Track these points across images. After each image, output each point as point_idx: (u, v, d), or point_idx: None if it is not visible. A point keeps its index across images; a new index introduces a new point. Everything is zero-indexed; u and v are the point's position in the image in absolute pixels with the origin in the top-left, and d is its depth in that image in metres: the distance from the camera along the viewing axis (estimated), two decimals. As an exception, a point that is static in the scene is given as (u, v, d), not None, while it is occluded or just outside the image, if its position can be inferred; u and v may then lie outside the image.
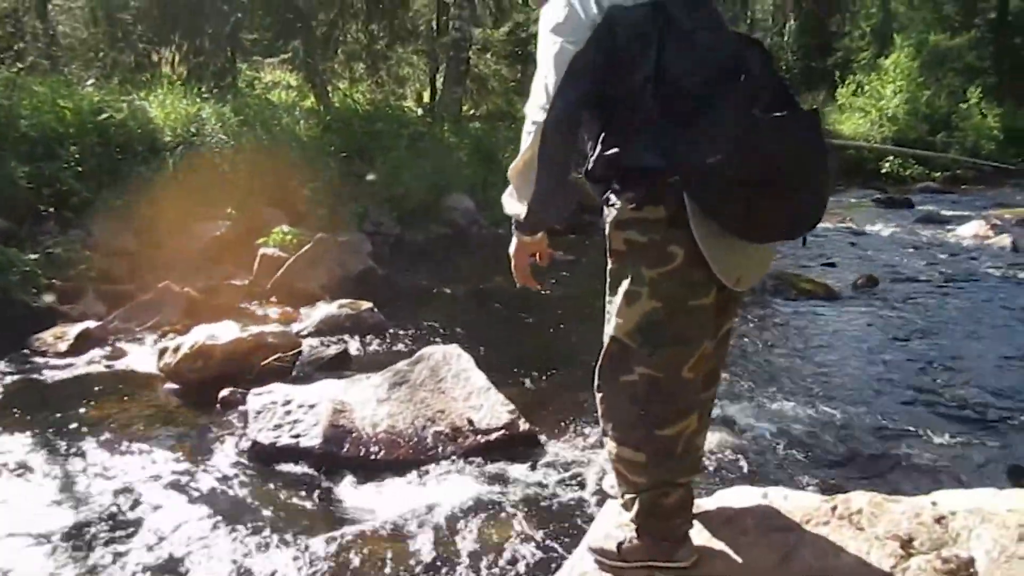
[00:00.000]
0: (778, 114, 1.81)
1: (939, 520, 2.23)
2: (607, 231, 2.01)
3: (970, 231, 10.74)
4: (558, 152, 1.91)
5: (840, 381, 5.05)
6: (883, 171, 19.01)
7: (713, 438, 4.06)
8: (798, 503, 2.40)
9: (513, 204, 2.06)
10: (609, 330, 2.06)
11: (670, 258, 1.91)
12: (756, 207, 1.83)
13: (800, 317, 6.60)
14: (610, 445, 2.13)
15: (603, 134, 1.94)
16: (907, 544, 2.15)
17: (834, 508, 2.32)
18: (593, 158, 1.97)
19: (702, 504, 2.47)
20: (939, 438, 4.16)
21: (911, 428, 4.29)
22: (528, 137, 1.91)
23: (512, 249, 2.15)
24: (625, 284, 1.99)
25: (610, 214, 1.98)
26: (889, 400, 4.73)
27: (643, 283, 1.95)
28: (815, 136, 1.87)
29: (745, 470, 3.74)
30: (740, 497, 2.48)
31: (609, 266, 2.05)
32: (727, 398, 4.66)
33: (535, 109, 1.91)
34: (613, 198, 1.96)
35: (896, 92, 20.72)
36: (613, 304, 2.04)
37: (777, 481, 3.40)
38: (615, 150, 1.91)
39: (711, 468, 3.79)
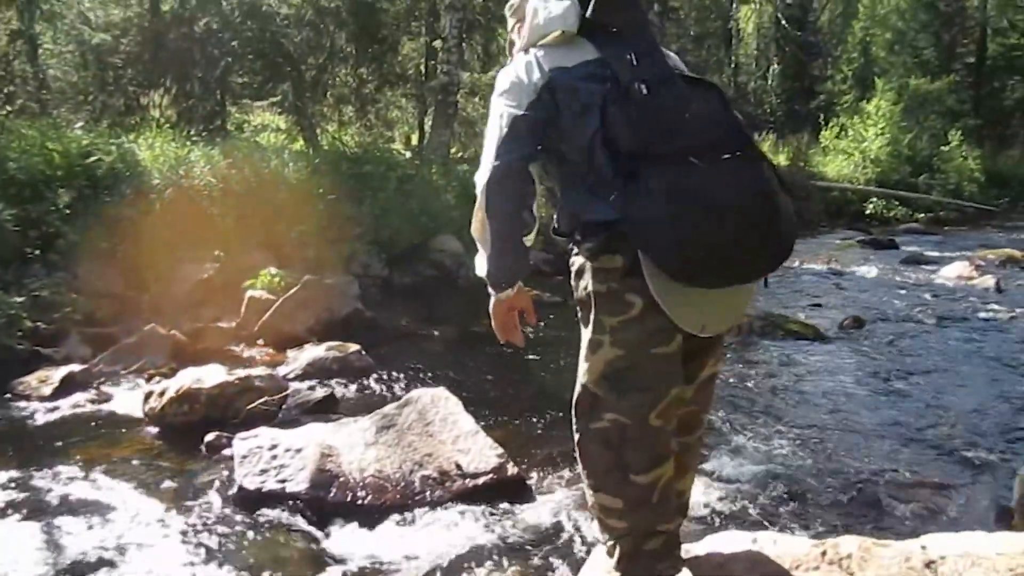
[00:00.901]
0: (723, 158, 1.85)
1: (929, 564, 2.23)
2: (572, 281, 2.10)
3: (954, 272, 10.83)
4: (504, 208, 1.98)
5: (828, 423, 5.05)
6: (867, 212, 19.21)
7: (701, 482, 4.05)
8: (788, 548, 2.39)
9: (480, 264, 2.12)
10: (579, 378, 2.12)
11: (628, 306, 1.96)
12: (702, 254, 1.85)
13: (787, 358, 6.61)
14: (588, 492, 2.17)
15: (563, 190, 2.05)
16: (897, 589, 2.15)
17: (824, 553, 2.31)
18: (556, 213, 2.09)
19: (692, 549, 2.46)
20: (927, 481, 4.16)
21: (899, 471, 4.29)
22: (479, 197, 2.01)
23: (491, 307, 2.15)
24: (588, 332, 2.07)
25: (573, 264, 2.08)
26: (876, 442, 4.73)
27: (604, 331, 2.02)
28: (760, 178, 1.91)
29: (734, 515, 3.72)
30: (730, 542, 2.48)
31: (578, 315, 2.11)
32: (715, 441, 4.65)
33: (481, 171, 2.02)
34: (575, 249, 2.06)
35: (878, 135, 21.02)
36: (581, 352, 2.10)
37: (766, 526, 3.39)
38: (574, 205, 2.01)
39: (700, 513, 3.77)
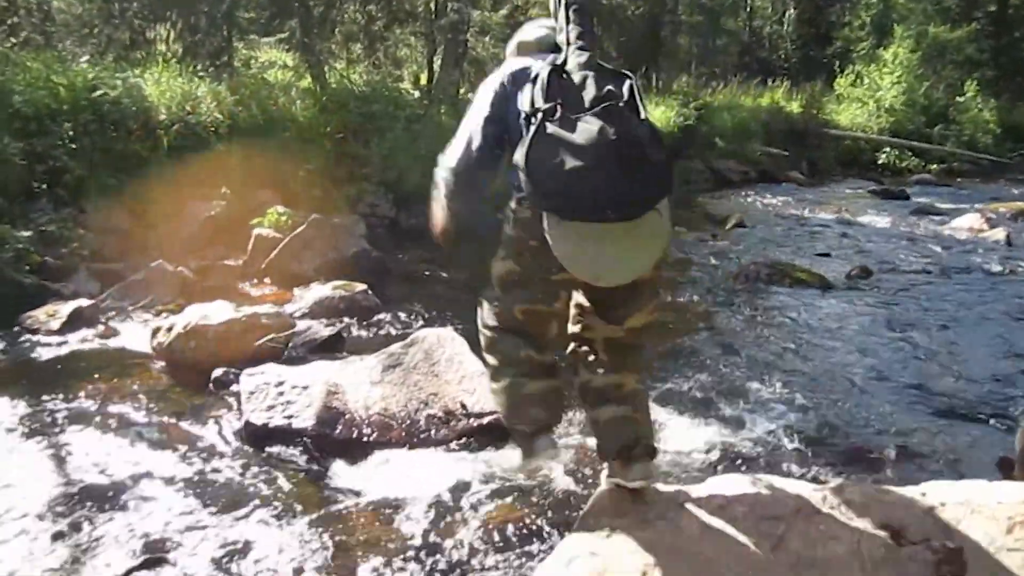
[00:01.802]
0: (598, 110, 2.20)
1: (929, 511, 2.24)
2: None
3: (965, 224, 10.76)
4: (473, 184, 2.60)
5: (832, 372, 5.06)
6: (879, 162, 19.00)
7: (705, 427, 4.08)
8: (789, 492, 2.41)
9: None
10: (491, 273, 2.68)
11: (530, 243, 2.42)
12: (563, 184, 2.17)
13: (794, 307, 6.60)
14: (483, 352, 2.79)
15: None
16: (897, 534, 2.17)
17: (825, 498, 2.33)
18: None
19: (692, 491, 2.48)
20: (930, 430, 4.18)
21: (903, 420, 4.31)
22: (448, 183, 2.64)
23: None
24: (503, 252, 2.62)
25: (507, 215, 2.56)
26: (881, 392, 4.74)
27: (512, 254, 2.57)
28: (624, 128, 2.18)
29: (737, 459, 3.75)
30: (731, 485, 2.49)
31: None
32: (719, 386, 4.67)
33: (447, 166, 2.63)
34: (511, 203, 2.54)
35: (894, 83, 20.69)
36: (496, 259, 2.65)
37: (769, 471, 3.42)
38: (511, 176, 2.45)
39: (702, 455, 3.81)
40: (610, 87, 2.28)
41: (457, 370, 4.14)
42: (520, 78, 2.48)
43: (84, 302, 5.44)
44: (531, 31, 2.74)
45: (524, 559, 2.91)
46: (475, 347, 4.28)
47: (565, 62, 2.38)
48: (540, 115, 2.22)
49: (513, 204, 2.52)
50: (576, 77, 2.32)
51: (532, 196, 2.26)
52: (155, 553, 2.95)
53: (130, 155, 7.47)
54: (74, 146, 7.12)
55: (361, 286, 6.03)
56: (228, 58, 12.29)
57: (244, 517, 3.18)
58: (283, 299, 6.11)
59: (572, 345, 2.67)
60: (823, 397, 4.59)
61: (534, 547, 2.99)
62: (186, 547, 2.98)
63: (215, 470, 3.54)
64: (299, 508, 3.26)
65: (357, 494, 3.41)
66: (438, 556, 2.98)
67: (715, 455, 3.80)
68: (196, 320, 4.72)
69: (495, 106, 2.52)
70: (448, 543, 3.07)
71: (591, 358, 2.60)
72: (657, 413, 4.21)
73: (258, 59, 13.69)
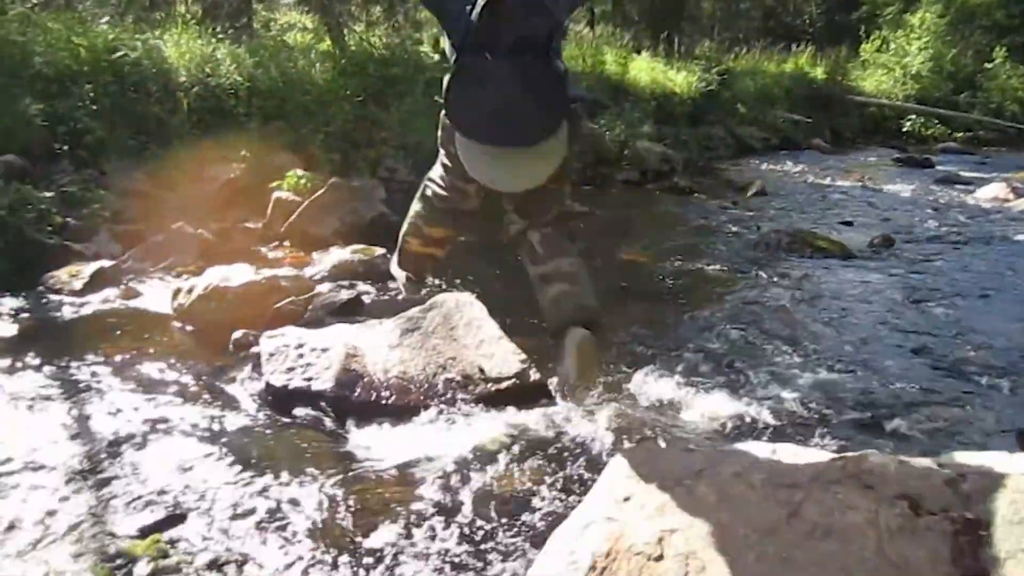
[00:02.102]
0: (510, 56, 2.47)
1: (950, 482, 2.22)
2: None
3: (990, 193, 10.60)
4: None
5: (853, 341, 5.02)
6: (904, 129, 18.73)
7: (723, 395, 4.07)
8: (807, 460, 2.39)
9: None
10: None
11: (451, 154, 2.87)
12: (469, 114, 2.59)
13: (814, 276, 6.55)
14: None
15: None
16: (917, 504, 2.15)
17: (844, 466, 2.31)
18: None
19: (710, 458, 2.48)
20: (952, 401, 4.15)
21: (924, 390, 4.28)
22: None
23: None
24: (439, 159, 3.07)
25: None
26: (902, 361, 4.71)
27: (441, 161, 3.04)
28: (524, 73, 2.48)
29: (755, 427, 3.75)
30: (749, 453, 2.49)
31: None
32: (737, 355, 4.66)
33: None
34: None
35: (921, 49, 20.33)
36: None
37: (787, 439, 3.41)
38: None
39: (719, 423, 3.80)
40: (533, 23, 2.51)
41: (475, 334, 4.14)
42: None
43: (106, 263, 5.49)
44: None
45: (541, 523, 2.93)
46: (494, 312, 4.31)
47: None
48: (464, 51, 2.54)
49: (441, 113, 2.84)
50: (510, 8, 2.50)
51: (447, 115, 2.69)
52: (174, 510, 3.00)
53: (150, 117, 7.48)
54: (95, 108, 7.13)
55: (380, 250, 6.03)
56: (248, 20, 12.25)
57: (263, 477, 3.21)
58: (302, 262, 6.13)
59: (517, 249, 3.16)
60: (843, 367, 4.57)
61: (551, 511, 3.00)
62: (205, 506, 3.01)
63: (235, 431, 3.58)
64: (318, 469, 3.29)
65: (375, 456, 3.44)
66: (455, 519, 3.01)
67: (733, 423, 3.80)
68: (216, 282, 4.74)
69: None
70: (465, 506, 3.09)
71: (531, 253, 3.07)
72: (674, 380, 4.22)
73: (277, 21, 13.63)
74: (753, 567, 2.06)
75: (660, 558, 2.15)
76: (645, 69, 14.29)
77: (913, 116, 18.86)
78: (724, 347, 4.80)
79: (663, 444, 3.04)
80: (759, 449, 2.51)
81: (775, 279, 6.45)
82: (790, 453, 2.46)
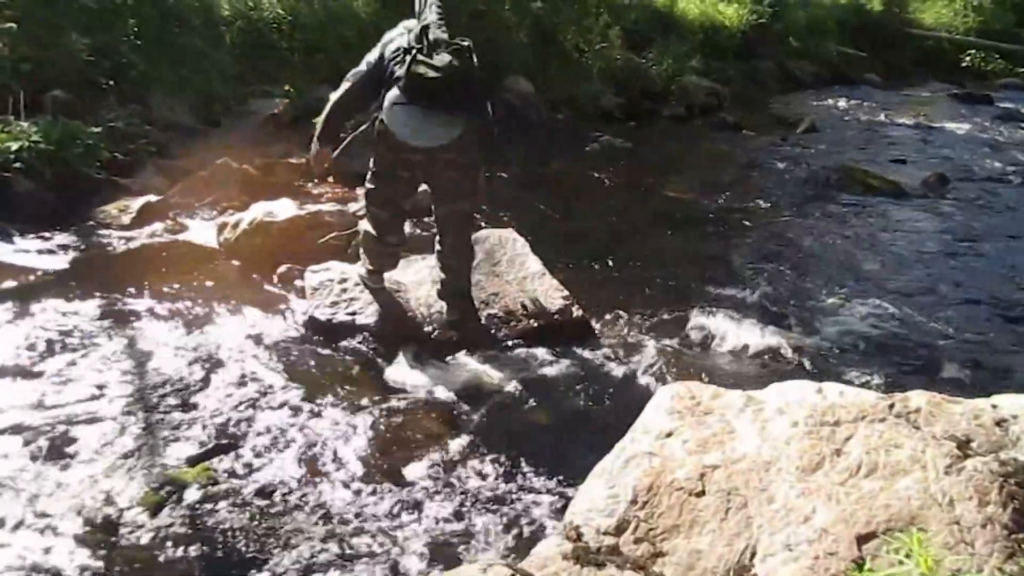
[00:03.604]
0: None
1: (999, 423, 2.18)
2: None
3: (1052, 130, 10.23)
4: (336, 111, 3.75)
5: (904, 281, 4.93)
6: (963, 64, 18.02)
7: (769, 332, 4.03)
8: (854, 399, 2.36)
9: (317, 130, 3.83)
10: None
11: (378, 131, 3.62)
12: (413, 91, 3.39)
13: (866, 214, 6.41)
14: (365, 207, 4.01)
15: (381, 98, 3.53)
16: (964, 445, 2.12)
17: (891, 406, 2.28)
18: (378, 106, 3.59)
19: (754, 395, 2.46)
20: (1003, 342, 4.07)
21: (975, 331, 4.20)
22: (330, 103, 3.75)
23: (312, 151, 3.88)
24: (368, 178, 3.86)
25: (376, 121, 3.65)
26: (953, 302, 4.62)
27: (376, 157, 3.76)
28: (452, 64, 3.36)
29: (802, 366, 3.72)
30: (794, 390, 2.45)
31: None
32: (784, 293, 4.59)
33: (338, 90, 3.74)
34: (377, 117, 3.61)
35: (984, -21, 19.44)
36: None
37: (832, 378, 3.37)
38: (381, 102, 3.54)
39: (766, 360, 3.77)
40: (455, 43, 3.45)
41: (518, 271, 4.14)
42: (391, 41, 3.61)
43: (153, 198, 5.54)
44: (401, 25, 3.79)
45: (581, 457, 2.93)
46: (536, 247, 4.29)
47: (428, 27, 3.48)
48: (415, 50, 3.37)
49: (378, 124, 3.61)
50: (436, 34, 3.48)
51: (402, 90, 3.40)
52: (222, 440, 3.07)
53: (193, 51, 7.46)
54: (139, 42, 7.13)
55: (422, 186, 5.99)
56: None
57: (308, 409, 3.27)
58: (345, 197, 6.12)
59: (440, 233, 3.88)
60: (892, 306, 4.48)
61: (591, 446, 3.00)
62: (252, 436, 3.09)
63: (280, 363, 3.64)
64: (362, 402, 3.34)
65: (418, 390, 3.48)
66: (496, 452, 3.04)
67: (777, 360, 3.77)
68: (261, 217, 4.77)
69: (374, 65, 3.61)
70: (505, 440, 3.12)
71: (443, 231, 3.83)
72: (718, 317, 4.18)
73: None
74: (796, 504, 2.05)
75: (702, 493, 2.15)
76: (694, 1, 13.90)
77: (973, 50, 18.13)
78: (769, 285, 4.74)
79: (706, 380, 3.01)
80: (803, 387, 2.48)
81: (824, 217, 6.33)
82: (835, 392, 2.43)
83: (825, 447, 2.19)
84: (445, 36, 3.52)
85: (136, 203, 5.39)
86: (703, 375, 3.54)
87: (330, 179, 6.49)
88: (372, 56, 3.67)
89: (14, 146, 5.29)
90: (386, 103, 3.48)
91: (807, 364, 3.76)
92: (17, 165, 5.25)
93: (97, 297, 4.14)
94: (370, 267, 4.00)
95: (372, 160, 3.80)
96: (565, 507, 2.44)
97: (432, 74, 3.32)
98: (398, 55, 3.47)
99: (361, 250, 4.07)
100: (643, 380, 3.58)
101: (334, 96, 3.74)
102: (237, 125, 7.11)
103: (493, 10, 10.41)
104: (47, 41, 6.47)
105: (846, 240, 5.73)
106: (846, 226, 6.10)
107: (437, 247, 3.91)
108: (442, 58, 3.36)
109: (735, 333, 4.05)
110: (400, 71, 3.38)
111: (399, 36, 3.62)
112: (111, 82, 6.74)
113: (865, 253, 5.46)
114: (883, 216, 6.41)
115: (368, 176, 3.85)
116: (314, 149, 3.83)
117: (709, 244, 5.65)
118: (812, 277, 4.90)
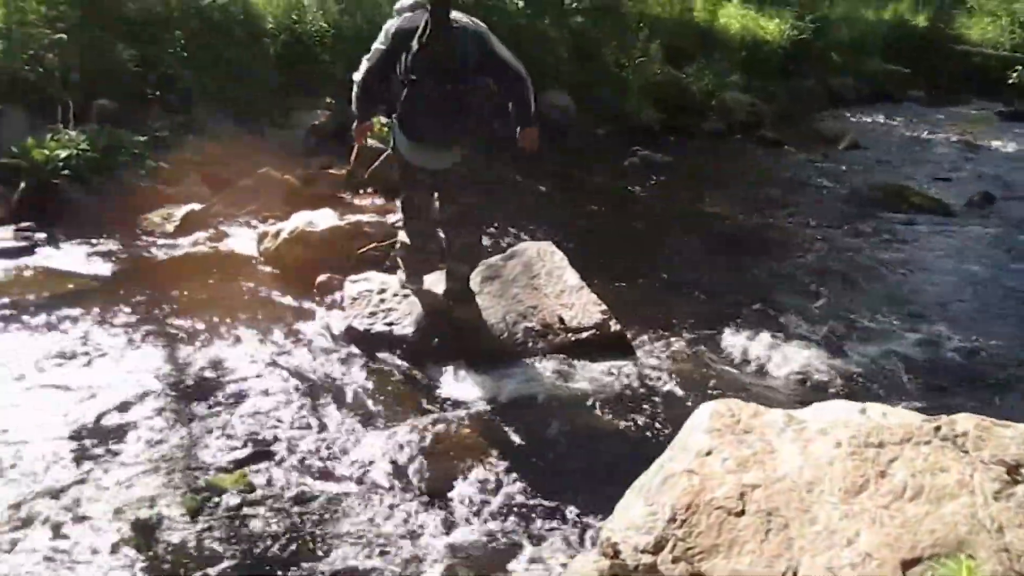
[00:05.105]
0: (444, 87, 3.60)
1: (1052, 449, 2.13)
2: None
3: (1102, 151, 10.00)
4: (366, 87, 3.87)
5: (948, 302, 4.84)
6: (1009, 82, 17.72)
7: (811, 350, 3.97)
8: (898, 421, 2.31)
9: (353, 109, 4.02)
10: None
11: (395, 149, 3.94)
12: (419, 127, 3.71)
13: (909, 233, 6.32)
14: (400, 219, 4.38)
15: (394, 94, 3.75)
16: (1014, 470, 2.07)
17: (937, 428, 2.23)
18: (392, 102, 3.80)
19: (795, 414, 2.42)
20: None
21: (1021, 354, 4.10)
22: (356, 84, 3.92)
23: (354, 128, 4.08)
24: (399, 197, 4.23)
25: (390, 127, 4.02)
26: (999, 323, 4.53)
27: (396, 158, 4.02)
28: (448, 95, 3.61)
29: (844, 386, 3.66)
30: (837, 410, 2.41)
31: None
32: (826, 311, 4.53)
33: (359, 70, 3.89)
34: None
35: (1033, -5, 19.11)
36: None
37: (876, 399, 3.31)
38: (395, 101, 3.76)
39: (808, 379, 3.72)
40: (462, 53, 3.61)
41: (556, 284, 4.12)
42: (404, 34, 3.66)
43: (196, 206, 5.61)
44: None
45: (618, 473, 2.90)
46: (574, 261, 4.28)
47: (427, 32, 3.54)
48: (410, 80, 3.60)
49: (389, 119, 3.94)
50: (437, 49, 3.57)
51: (399, 119, 3.75)
52: (260, 447, 3.09)
53: (237, 63, 7.57)
54: (184, 54, 7.25)
55: (461, 198, 6.00)
56: (333, -34, 12.23)
57: (346, 418, 3.29)
58: (385, 209, 6.16)
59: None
60: (937, 327, 4.40)
61: (629, 461, 2.97)
62: (290, 443, 3.11)
63: (319, 372, 3.66)
64: (399, 412, 3.35)
65: (454, 402, 3.48)
66: (532, 467, 3.03)
67: (820, 379, 3.71)
68: (302, 226, 4.82)
69: (389, 45, 3.72)
70: (540, 454, 3.11)
71: (449, 247, 4.04)
72: (758, 334, 4.14)
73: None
74: (839, 526, 2.01)
75: (741, 513, 2.12)
76: (735, 16, 13.83)
77: (1020, 67, 17.81)
78: (811, 303, 4.68)
79: (744, 398, 2.97)
80: (846, 407, 2.44)
81: (866, 235, 6.24)
82: (878, 412, 2.38)
83: (869, 469, 2.15)
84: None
85: (179, 211, 5.48)
86: (742, 393, 3.50)
87: (369, 189, 6.54)
88: (387, 36, 3.78)
89: (63, 154, 5.42)
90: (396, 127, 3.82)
91: (847, 384, 3.70)
92: (65, 172, 5.37)
93: (140, 303, 4.20)
94: (408, 274, 4.18)
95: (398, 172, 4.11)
96: (601, 523, 2.42)
97: (420, 110, 3.63)
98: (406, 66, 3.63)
99: (399, 259, 4.30)
100: (681, 396, 3.54)
101: (357, 76, 3.92)
102: (279, 136, 7.19)
103: (533, 24, 10.46)
104: (96, 52, 6.61)
105: (888, 259, 5.64)
106: (889, 244, 6.01)
107: (450, 255, 4.07)
108: (432, 93, 3.60)
109: (774, 351, 4.00)
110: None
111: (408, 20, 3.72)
112: (157, 92, 6.86)
113: (908, 272, 5.37)
114: (927, 235, 6.31)
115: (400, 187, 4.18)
116: (355, 125, 4.06)
117: (748, 261, 5.60)
118: (853, 296, 4.83)
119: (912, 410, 3.11)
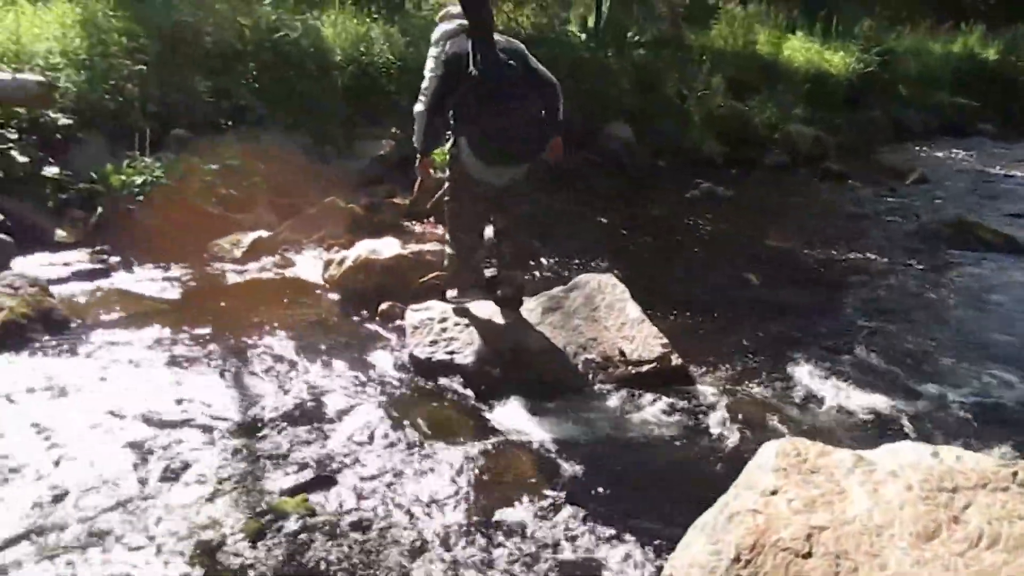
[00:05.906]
0: (507, 103, 3.77)
1: None
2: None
3: None
4: (430, 121, 4.02)
5: (1021, 343, 4.69)
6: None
7: (879, 391, 3.89)
8: (973, 465, 2.25)
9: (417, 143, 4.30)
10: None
11: (455, 168, 4.06)
12: (491, 150, 3.86)
13: (978, 270, 6.16)
14: (447, 235, 4.38)
15: (452, 114, 3.91)
16: (1097, 520, 1.99)
17: (1015, 474, 2.17)
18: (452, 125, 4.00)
19: (864, 455, 2.37)
20: None
21: (1101, 397, 3.95)
22: (418, 117, 4.26)
23: (418, 163, 4.31)
24: (447, 174, 4.23)
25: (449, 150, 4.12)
26: (1076, 365, 4.36)
27: (450, 176, 4.15)
28: (515, 119, 3.81)
29: (915, 429, 3.56)
30: (908, 452, 2.35)
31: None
32: (895, 350, 4.43)
33: (420, 102, 4.35)
34: (451, 142, 4.05)
35: (1110, 27, 18.60)
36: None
37: (948, 442, 3.22)
38: (454, 123, 3.94)
39: (875, 421, 3.64)
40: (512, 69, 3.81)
41: (617, 317, 4.11)
42: (455, 59, 3.84)
43: (263, 233, 5.75)
44: (453, 12, 4.25)
45: (679, 510, 2.86)
46: (635, 294, 4.27)
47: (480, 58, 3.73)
48: (475, 107, 3.76)
49: (450, 142, 4.06)
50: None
51: (471, 145, 3.86)
52: (323, 472, 3.13)
53: (307, 94, 7.76)
54: (256, 85, 7.46)
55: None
56: (400, 0, 12.49)
57: (407, 445, 3.31)
58: (446, 239, 6.22)
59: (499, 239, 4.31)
60: (1009, 368, 4.27)
61: (690, 498, 2.93)
62: (351, 469, 3.13)
63: (380, 399, 3.70)
64: (459, 441, 3.36)
65: (514, 432, 3.48)
66: (591, 501, 3.00)
67: (889, 420, 3.62)
68: (365, 254, 4.90)
69: (442, 71, 3.93)
70: (601, 488, 3.08)
71: (500, 253, 4.32)
72: (825, 372, 4.06)
73: (428, 1, 13.84)
74: (910, 572, 1.96)
75: (809, 555, 2.07)
76: (799, 49, 13.73)
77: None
78: (875, 341, 4.58)
79: (810, 437, 2.92)
80: (917, 449, 2.38)
81: (935, 272, 6.10)
82: (952, 456, 2.32)
83: (942, 514, 2.09)
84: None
85: (247, 238, 5.61)
86: (806, 430, 3.44)
87: (431, 219, 6.62)
88: (438, 62, 4.11)
89: (139, 180, 5.62)
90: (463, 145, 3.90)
91: (914, 425, 3.60)
92: (140, 198, 5.56)
93: (207, 327, 4.30)
94: (458, 290, 4.32)
95: (449, 188, 4.20)
96: (663, 561, 2.39)
97: (479, 136, 3.79)
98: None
99: (448, 276, 4.41)
100: (743, 433, 3.49)
101: (419, 108, 4.23)
102: (345, 165, 7.34)
103: (595, 57, 10.53)
104: (173, 83, 6.85)
105: (958, 297, 5.51)
106: (958, 282, 5.86)
107: (500, 260, 4.35)
108: (492, 115, 3.75)
109: (839, 389, 3.92)
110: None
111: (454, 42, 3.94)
112: (230, 122, 7.06)
113: (976, 311, 5.23)
114: (997, 272, 6.14)
115: (448, 204, 4.26)
116: (418, 159, 4.27)
117: (812, 296, 5.51)
118: (921, 334, 4.72)
119: (987, 454, 3.04)
